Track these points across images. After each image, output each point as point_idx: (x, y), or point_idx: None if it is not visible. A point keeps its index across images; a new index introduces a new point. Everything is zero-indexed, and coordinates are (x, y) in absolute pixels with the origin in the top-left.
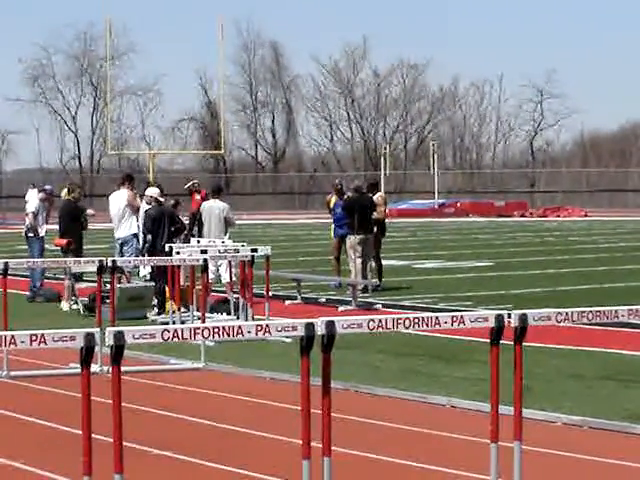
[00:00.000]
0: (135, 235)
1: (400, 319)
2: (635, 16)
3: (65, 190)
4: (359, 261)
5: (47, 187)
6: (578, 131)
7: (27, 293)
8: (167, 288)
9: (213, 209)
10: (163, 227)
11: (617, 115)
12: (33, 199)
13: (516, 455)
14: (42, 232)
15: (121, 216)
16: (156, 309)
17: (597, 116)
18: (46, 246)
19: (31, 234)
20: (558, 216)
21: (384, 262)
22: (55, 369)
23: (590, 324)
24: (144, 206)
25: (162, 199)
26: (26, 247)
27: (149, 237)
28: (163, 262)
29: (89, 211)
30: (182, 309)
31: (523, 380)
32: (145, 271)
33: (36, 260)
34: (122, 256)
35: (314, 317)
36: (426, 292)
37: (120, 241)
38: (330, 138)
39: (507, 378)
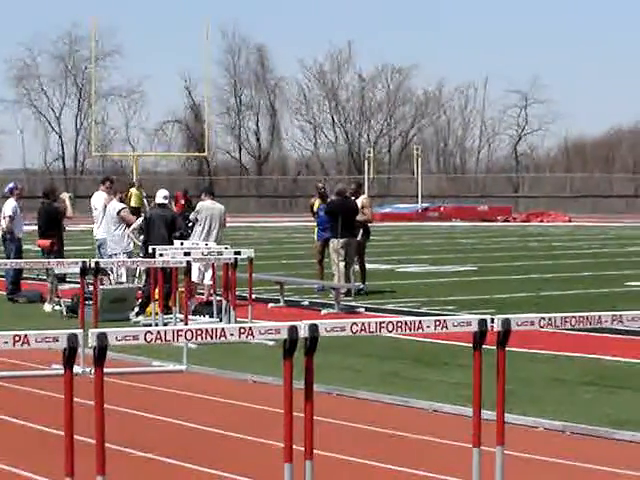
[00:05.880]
0: None
1: (383, 323)
2: (620, 22)
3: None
4: (342, 265)
5: (15, 185)
6: (562, 136)
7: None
8: (157, 290)
9: (215, 210)
10: (158, 230)
11: (601, 121)
12: (9, 202)
13: (498, 460)
14: (19, 234)
15: (98, 217)
16: (136, 309)
17: (581, 122)
18: (29, 247)
19: (8, 236)
20: (542, 221)
21: (368, 265)
22: (37, 370)
23: (573, 329)
24: (118, 205)
25: (165, 202)
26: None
27: (141, 238)
28: (146, 264)
29: (64, 194)
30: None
31: (505, 385)
32: (123, 277)
33: (19, 261)
34: (101, 257)
35: (297, 320)
36: (409, 296)
37: (98, 242)
38: (314, 141)
39: (490, 383)
